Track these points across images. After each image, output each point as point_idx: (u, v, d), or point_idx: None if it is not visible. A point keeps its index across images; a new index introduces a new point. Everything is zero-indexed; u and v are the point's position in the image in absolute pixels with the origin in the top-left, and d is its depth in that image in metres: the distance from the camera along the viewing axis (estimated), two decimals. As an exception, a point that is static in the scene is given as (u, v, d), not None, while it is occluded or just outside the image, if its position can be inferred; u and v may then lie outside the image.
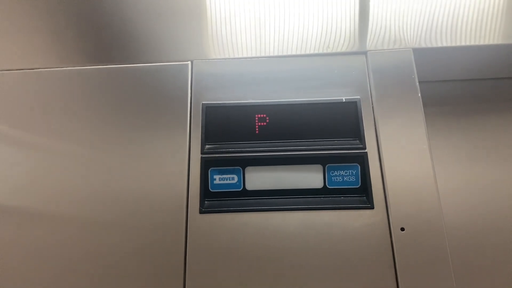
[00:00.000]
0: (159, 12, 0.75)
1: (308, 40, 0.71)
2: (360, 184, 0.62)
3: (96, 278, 0.59)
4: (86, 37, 0.74)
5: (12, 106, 0.69)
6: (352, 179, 0.63)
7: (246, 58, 0.71)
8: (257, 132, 0.65)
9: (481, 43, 0.70)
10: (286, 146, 0.64)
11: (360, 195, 0.62)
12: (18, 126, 0.67)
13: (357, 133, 0.64)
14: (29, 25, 0.75)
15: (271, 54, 0.71)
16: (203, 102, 0.67)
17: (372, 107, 0.66)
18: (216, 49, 0.72)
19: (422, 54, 0.70)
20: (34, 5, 0.77)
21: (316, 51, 0.70)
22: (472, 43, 0.70)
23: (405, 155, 0.62)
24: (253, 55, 0.71)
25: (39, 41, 0.74)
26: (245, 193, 0.63)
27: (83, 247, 0.60)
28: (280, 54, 0.71)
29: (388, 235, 0.59)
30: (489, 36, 0.70)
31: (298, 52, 0.70)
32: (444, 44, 0.70)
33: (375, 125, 0.64)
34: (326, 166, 0.64)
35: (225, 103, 0.67)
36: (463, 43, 0.70)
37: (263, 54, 0.71)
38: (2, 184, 0.64)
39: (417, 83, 0.66)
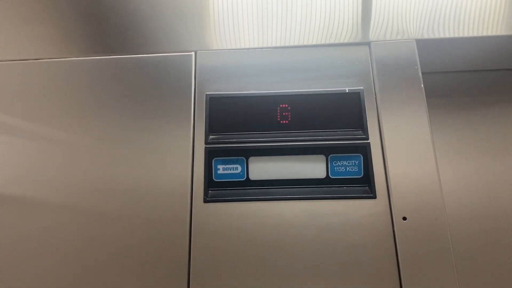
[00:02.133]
0: (163, 2, 0.75)
1: (311, 31, 0.71)
2: (362, 174, 0.63)
3: (103, 265, 0.60)
4: (90, 28, 0.74)
5: (15, 97, 0.69)
6: (355, 169, 0.63)
7: (249, 49, 0.71)
8: (260, 122, 0.66)
9: (484, 34, 0.70)
10: (289, 137, 0.65)
11: (362, 185, 0.63)
12: (21, 116, 0.68)
13: (360, 124, 0.65)
14: (33, 15, 0.75)
15: (274, 45, 0.71)
16: (207, 93, 0.67)
17: (375, 97, 0.66)
18: (219, 40, 0.72)
19: (425, 45, 0.70)
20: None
21: (319, 42, 0.70)
22: (475, 34, 0.70)
23: (407, 146, 0.62)
24: (256, 46, 0.71)
25: (43, 31, 0.74)
26: (249, 183, 0.64)
27: (89, 237, 0.61)
28: (283, 45, 0.71)
29: (390, 225, 0.59)
30: (492, 27, 0.70)
31: (301, 43, 0.71)
32: (447, 35, 0.70)
33: (378, 116, 0.65)
34: (329, 156, 0.64)
35: (228, 93, 0.67)
36: (466, 34, 0.70)
37: (266, 45, 0.71)
38: (5, 175, 0.65)
39: (420, 74, 0.66)
